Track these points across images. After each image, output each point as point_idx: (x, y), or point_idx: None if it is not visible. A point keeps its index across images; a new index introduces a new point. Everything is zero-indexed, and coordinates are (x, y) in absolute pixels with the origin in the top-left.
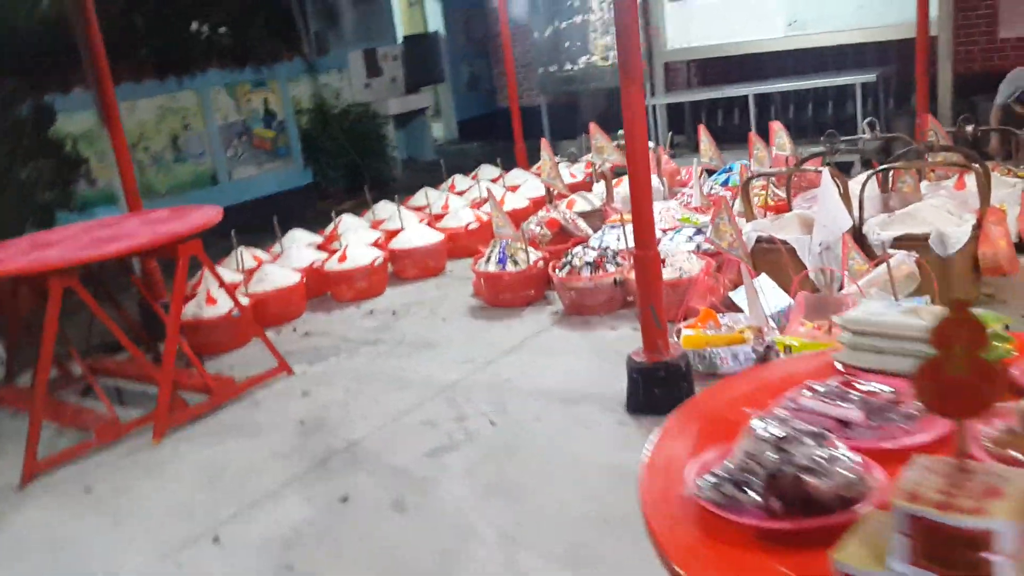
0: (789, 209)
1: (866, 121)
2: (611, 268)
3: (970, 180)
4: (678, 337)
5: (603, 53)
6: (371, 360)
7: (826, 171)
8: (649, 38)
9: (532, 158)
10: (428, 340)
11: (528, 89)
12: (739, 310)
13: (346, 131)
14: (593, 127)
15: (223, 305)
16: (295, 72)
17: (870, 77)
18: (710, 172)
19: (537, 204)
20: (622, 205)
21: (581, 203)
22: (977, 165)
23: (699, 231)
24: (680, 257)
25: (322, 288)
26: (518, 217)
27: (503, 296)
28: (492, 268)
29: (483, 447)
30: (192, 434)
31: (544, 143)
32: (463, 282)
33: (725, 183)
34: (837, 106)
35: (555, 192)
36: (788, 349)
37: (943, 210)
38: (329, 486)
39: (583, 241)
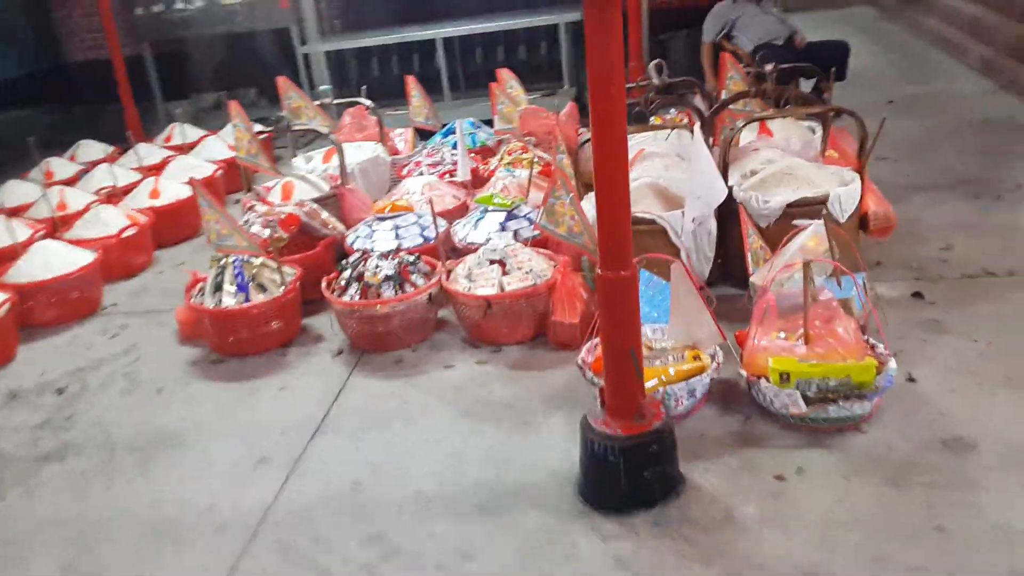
0: None
1: (652, 64)
2: (419, 281)
3: (775, 127)
4: (595, 375)
5: None
6: (77, 490)
7: (698, 130)
8: None
9: (148, 128)
10: (161, 432)
11: (97, 37)
12: None
13: None
14: (284, 82)
15: None
16: None
17: (575, 16)
18: (423, 133)
19: (214, 194)
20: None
21: (304, 188)
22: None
23: (511, 215)
24: (522, 256)
25: None
26: (185, 215)
27: (244, 337)
28: (230, 300)
29: None
30: None
31: (235, 106)
32: (146, 320)
33: (454, 146)
34: (513, 49)
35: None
36: (785, 377)
37: (804, 165)
38: None
39: (334, 242)
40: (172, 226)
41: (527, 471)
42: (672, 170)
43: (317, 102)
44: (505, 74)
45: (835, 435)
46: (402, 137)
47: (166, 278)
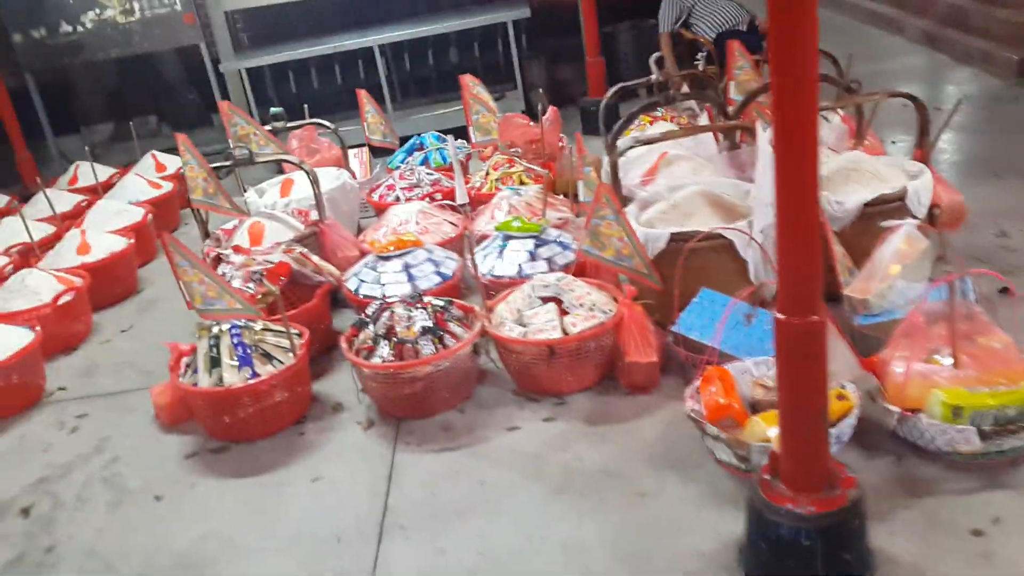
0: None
1: (653, 58)
2: (458, 329)
3: None
4: (719, 428)
5: (123, 4)
6: None
7: (764, 132)
8: None
9: (40, 170)
10: (182, 557)
11: None
12: (700, 349)
13: None
14: (226, 106)
15: None
16: None
17: (523, 12)
18: (377, 151)
19: (143, 240)
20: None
21: (276, 228)
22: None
23: (539, 241)
24: (579, 290)
25: None
26: (121, 270)
27: (246, 417)
28: (233, 377)
29: None
30: None
31: (184, 140)
32: (108, 404)
33: (424, 161)
34: (443, 52)
35: (206, 217)
36: (957, 411)
37: (866, 158)
38: None
39: (329, 289)
40: (108, 285)
41: (673, 560)
42: (700, 173)
43: (267, 127)
44: (469, 79)
45: (1009, 471)
46: (357, 159)
47: (116, 348)
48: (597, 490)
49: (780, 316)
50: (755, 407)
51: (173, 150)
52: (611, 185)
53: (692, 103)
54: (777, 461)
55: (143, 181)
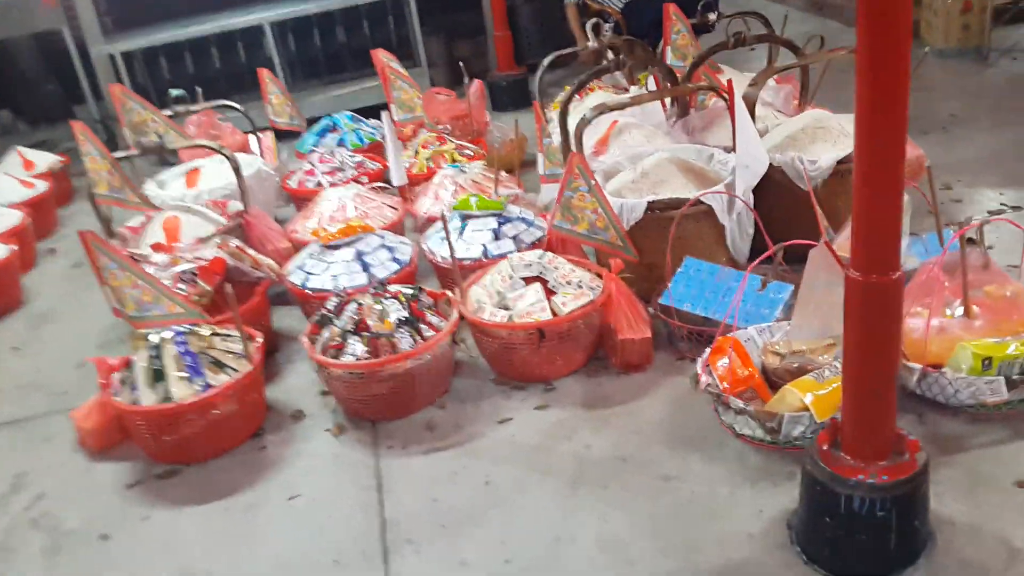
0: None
1: (590, 24)
2: (433, 319)
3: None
4: (744, 400)
5: None
6: None
7: (739, 95)
8: None
9: None
10: None
11: None
12: (698, 320)
13: None
14: (119, 90)
15: None
16: None
17: None
18: (281, 133)
19: (22, 246)
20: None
21: (193, 222)
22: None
23: (502, 219)
24: (563, 268)
25: None
26: (3, 281)
27: (200, 434)
28: (183, 391)
29: None
30: None
31: (81, 127)
32: (18, 435)
33: (340, 143)
34: (329, 30)
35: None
36: (987, 363)
37: (827, 116)
38: None
39: (268, 285)
40: None
41: (719, 546)
42: (654, 141)
43: (167, 111)
44: (383, 55)
45: None
46: (262, 143)
47: (11, 369)
48: (616, 478)
49: (855, 275)
50: (768, 375)
51: (38, 145)
52: (582, 157)
53: (618, 73)
54: (837, 430)
55: (14, 181)
